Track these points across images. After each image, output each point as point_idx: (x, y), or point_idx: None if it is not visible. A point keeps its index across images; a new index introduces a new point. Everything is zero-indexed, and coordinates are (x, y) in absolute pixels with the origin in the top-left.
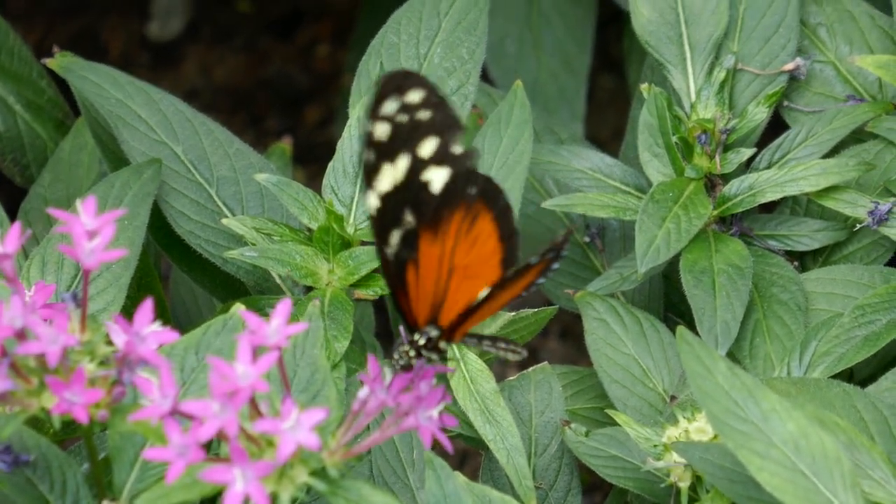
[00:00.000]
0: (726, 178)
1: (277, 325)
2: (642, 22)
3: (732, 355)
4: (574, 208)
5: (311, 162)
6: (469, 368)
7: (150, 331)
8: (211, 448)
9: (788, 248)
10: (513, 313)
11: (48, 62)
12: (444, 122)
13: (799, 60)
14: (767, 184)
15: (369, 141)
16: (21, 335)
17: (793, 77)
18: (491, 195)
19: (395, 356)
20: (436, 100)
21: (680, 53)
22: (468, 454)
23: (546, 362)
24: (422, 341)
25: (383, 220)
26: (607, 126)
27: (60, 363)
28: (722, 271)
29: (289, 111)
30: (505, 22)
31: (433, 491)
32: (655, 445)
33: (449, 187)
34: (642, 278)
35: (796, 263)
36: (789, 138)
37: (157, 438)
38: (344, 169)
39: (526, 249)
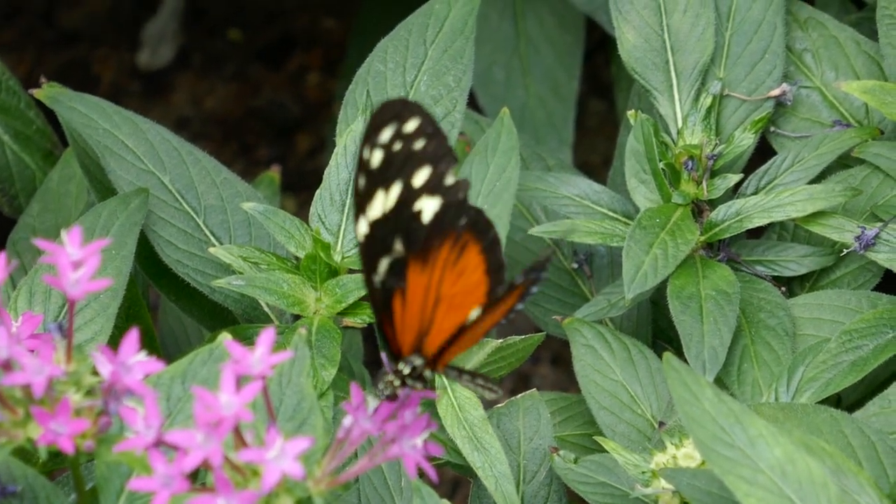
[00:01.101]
0: (713, 203)
1: (261, 355)
2: (628, 48)
3: (720, 381)
4: (563, 235)
5: (302, 190)
6: (457, 396)
7: (135, 360)
8: (198, 477)
9: (776, 274)
10: (500, 340)
11: (35, 93)
12: (438, 153)
13: (785, 86)
14: (754, 209)
15: (362, 167)
16: (7, 366)
17: (779, 103)
18: (480, 227)
19: (380, 386)
20: (431, 129)
21: (666, 79)
22: (460, 482)
23: (535, 389)
24: (406, 370)
25: (372, 248)
26: (597, 152)
27: (46, 394)
28: (709, 297)
29: (280, 140)
30: (493, 49)
31: None
32: (644, 472)
33: (439, 217)
34: (630, 304)
35: (784, 289)
36: (776, 164)
37: (142, 469)
38: (331, 197)
39: (514, 274)
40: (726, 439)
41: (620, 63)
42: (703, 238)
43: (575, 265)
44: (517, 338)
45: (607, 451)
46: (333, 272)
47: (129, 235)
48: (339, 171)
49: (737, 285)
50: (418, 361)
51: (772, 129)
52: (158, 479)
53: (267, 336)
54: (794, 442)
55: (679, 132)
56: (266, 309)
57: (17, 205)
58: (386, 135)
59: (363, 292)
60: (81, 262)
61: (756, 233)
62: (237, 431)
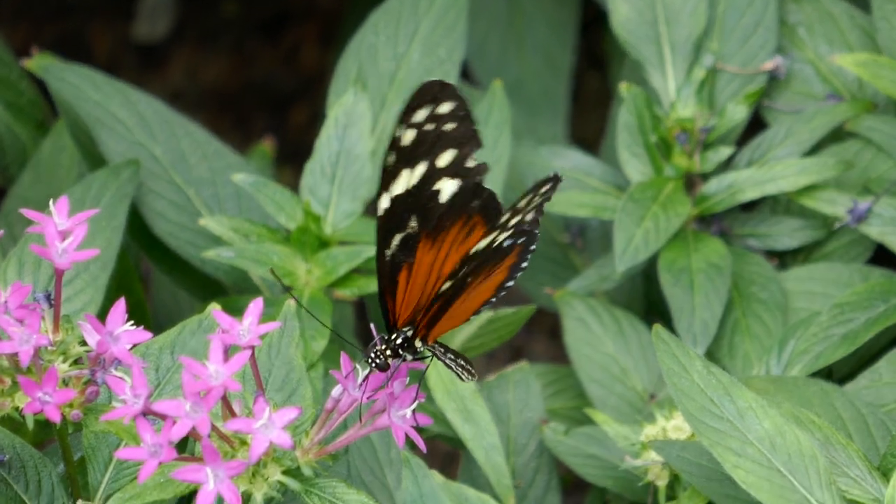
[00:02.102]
0: (706, 177)
1: (249, 325)
2: (621, 20)
3: (711, 354)
4: (553, 208)
5: (298, 162)
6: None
7: (123, 330)
8: (188, 447)
9: (768, 247)
10: (491, 312)
11: (26, 63)
12: (465, 136)
13: (778, 59)
14: (747, 183)
15: (394, 145)
16: None
17: (772, 76)
18: (491, 211)
19: (372, 355)
20: (462, 113)
21: (658, 52)
22: (454, 456)
23: (525, 361)
24: (398, 340)
25: (389, 223)
26: (593, 125)
27: (33, 363)
28: (700, 270)
29: (275, 112)
30: (488, 22)
31: (410, 490)
32: (633, 444)
33: (456, 198)
34: (621, 277)
35: (776, 262)
36: (769, 137)
37: (130, 438)
38: (322, 169)
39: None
40: (715, 411)
41: (614, 36)
42: (695, 211)
43: (567, 238)
44: (508, 310)
45: (598, 424)
46: (324, 244)
47: (119, 207)
48: (329, 143)
49: (728, 258)
50: (410, 332)
51: (765, 102)
52: (146, 449)
53: (255, 306)
54: (783, 414)
55: (672, 105)
56: (257, 281)
57: (8, 175)
58: (421, 115)
59: (353, 265)
60: (69, 231)
61: (749, 206)
62: (226, 401)
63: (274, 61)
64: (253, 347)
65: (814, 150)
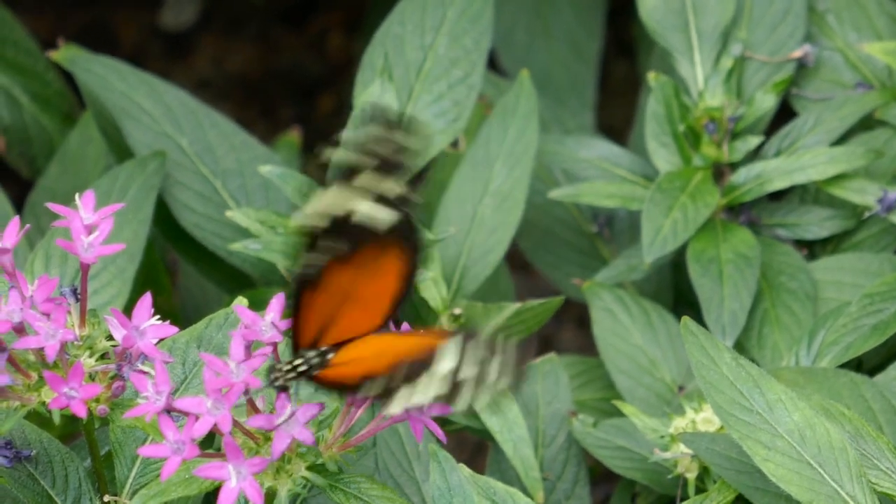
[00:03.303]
0: (734, 166)
1: (271, 320)
2: (648, 9)
3: (740, 345)
4: (580, 198)
5: None
6: None
7: (149, 325)
8: (214, 443)
9: (797, 237)
10: (519, 304)
11: (53, 54)
12: (397, 164)
13: (807, 47)
14: (775, 172)
15: (328, 165)
16: (20, 330)
17: (801, 64)
18: (406, 231)
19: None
20: (399, 142)
21: (687, 41)
22: (482, 447)
23: (553, 353)
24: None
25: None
26: (620, 113)
27: (59, 358)
28: (729, 260)
29: (302, 101)
30: (515, 11)
31: (437, 483)
32: (662, 436)
33: (378, 224)
34: (649, 268)
35: (805, 252)
36: (798, 126)
37: (156, 433)
38: None
39: (534, 238)
40: (745, 404)
41: (642, 24)
42: (723, 201)
43: (595, 229)
44: (536, 301)
45: (626, 416)
46: None
47: (146, 199)
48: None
49: (757, 248)
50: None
51: (793, 90)
52: (169, 446)
53: (277, 302)
54: (813, 406)
55: (700, 94)
56: (284, 273)
57: (35, 167)
58: (361, 135)
59: None
60: (95, 225)
61: (777, 196)
62: (249, 398)
63: (300, 49)
64: (275, 343)
65: (843, 138)
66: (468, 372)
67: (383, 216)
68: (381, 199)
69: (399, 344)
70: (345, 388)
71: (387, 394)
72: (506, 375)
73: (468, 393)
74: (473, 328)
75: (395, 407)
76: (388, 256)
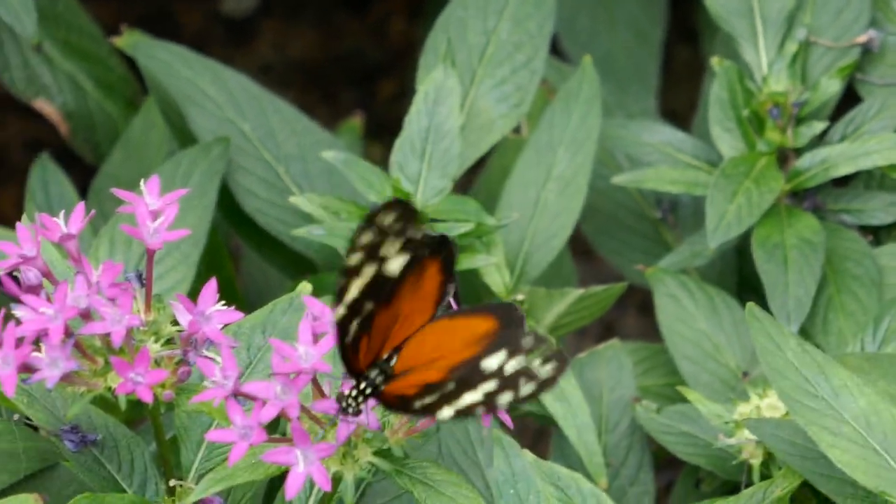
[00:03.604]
0: (799, 151)
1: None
2: None
3: (805, 331)
4: (644, 184)
5: (386, 136)
6: None
7: (214, 310)
8: (279, 427)
9: (862, 223)
10: (582, 290)
11: (116, 40)
12: (409, 228)
13: (872, 32)
14: (840, 157)
15: (345, 272)
16: (86, 315)
17: (866, 49)
18: (437, 246)
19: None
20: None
21: (751, 26)
22: (543, 432)
23: (616, 339)
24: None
25: (346, 321)
26: (684, 98)
27: (125, 343)
28: (794, 246)
29: (363, 86)
30: None
31: (501, 469)
32: (727, 422)
33: (406, 265)
34: (713, 253)
35: (870, 238)
36: (862, 111)
37: (222, 418)
38: (412, 145)
39: (597, 223)
40: (810, 390)
41: (706, 10)
42: (788, 186)
43: (658, 214)
44: (599, 287)
45: (690, 402)
46: None
47: (209, 184)
48: (419, 119)
49: (822, 234)
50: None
51: (858, 75)
52: (236, 431)
53: None
54: (878, 392)
55: (764, 79)
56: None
57: (99, 153)
58: (365, 238)
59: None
60: (160, 211)
61: (842, 181)
62: (315, 382)
63: (361, 34)
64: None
65: None
66: (513, 365)
67: (402, 260)
68: (401, 250)
69: (447, 341)
70: (408, 402)
71: (441, 402)
72: (549, 368)
73: (513, 390)
74: (513, 306)
75: (447, 412)
76: (426, 272)
